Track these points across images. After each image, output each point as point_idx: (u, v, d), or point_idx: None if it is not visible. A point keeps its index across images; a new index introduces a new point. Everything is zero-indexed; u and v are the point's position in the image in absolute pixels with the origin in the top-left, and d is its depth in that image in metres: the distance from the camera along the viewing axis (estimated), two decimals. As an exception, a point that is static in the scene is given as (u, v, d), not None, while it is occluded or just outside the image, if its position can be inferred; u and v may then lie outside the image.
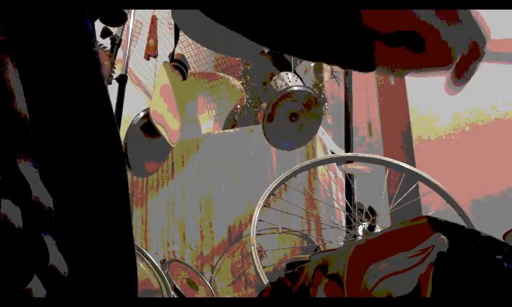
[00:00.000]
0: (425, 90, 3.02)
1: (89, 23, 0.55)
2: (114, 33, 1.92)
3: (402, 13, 0.57)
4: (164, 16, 2.55)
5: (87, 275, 0.49)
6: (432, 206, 1.87)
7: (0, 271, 0.37)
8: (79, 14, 0.53)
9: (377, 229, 1.56)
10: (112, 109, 0.56)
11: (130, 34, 1.99)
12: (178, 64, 1.98)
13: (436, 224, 0.56)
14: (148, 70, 2.73)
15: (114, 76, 1.91)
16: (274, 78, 2.66)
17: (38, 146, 0.44)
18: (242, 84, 2.82)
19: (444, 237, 0.54)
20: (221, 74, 2.89)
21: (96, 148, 0.54)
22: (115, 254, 0.53)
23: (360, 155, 1.79)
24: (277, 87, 2.59)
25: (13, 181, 0.40)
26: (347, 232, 1.65)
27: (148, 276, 1.67)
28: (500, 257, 0.52)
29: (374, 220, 1.57)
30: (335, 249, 0.68)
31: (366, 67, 0.63)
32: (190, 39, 2.42)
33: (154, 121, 1.79)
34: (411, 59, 0.59)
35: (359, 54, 0.61)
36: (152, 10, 2.31)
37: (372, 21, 0.58)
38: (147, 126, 1.84)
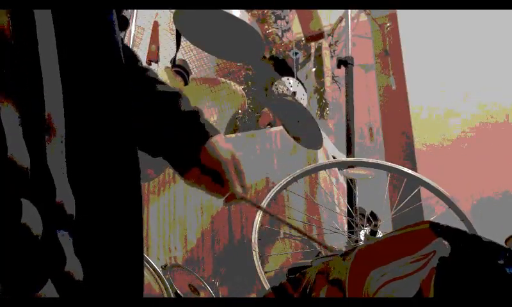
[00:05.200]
0: (427, 94, 3.02)
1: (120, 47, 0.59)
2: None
3: None
4: (166, 21, 2.55)
5: (99, 279, 0.50)
6: (434, 211, 1.87)
7: (16, 275, 0.37)
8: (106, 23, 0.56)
9: (379, 234, 1.56)
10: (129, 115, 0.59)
11: (131, 40, 1.99)
12: (180, 70, 1.98)
13: (438, 230, 0.56)
14: (149, 75, 2.73)
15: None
16: (275, 83, 2.66)
17: (68, 148, 0.45)
18: (244, 89, 2.83)
19: (446, 242, 0.54)
20: (223, 79, 2.89)
21: (118, 156, 0.56)
22: (126, 262, 0.54)
23: (362, 159, 1.79)
24: (278, 92, 2.60)
25: (41, 179, 0.40)
26: (349, 237, 1.65)
27: (149, 281, 1.66)
28: (502, 262, 0.52)
29: (375, 225, 1.56)
30: (336, 254, 0.68)
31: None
32: (192, 45, 2.42)
33: (156, 126, 1.78)
34: None
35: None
36: (154, 16, 2.31)
37: None
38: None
